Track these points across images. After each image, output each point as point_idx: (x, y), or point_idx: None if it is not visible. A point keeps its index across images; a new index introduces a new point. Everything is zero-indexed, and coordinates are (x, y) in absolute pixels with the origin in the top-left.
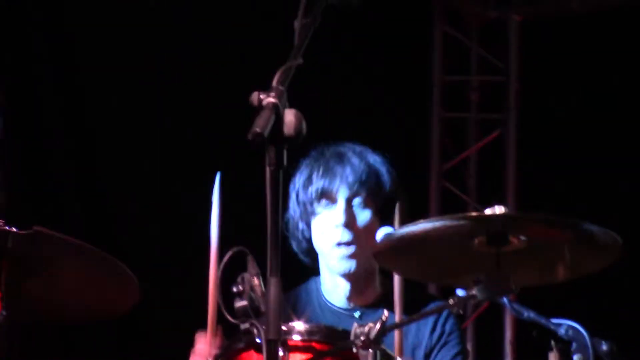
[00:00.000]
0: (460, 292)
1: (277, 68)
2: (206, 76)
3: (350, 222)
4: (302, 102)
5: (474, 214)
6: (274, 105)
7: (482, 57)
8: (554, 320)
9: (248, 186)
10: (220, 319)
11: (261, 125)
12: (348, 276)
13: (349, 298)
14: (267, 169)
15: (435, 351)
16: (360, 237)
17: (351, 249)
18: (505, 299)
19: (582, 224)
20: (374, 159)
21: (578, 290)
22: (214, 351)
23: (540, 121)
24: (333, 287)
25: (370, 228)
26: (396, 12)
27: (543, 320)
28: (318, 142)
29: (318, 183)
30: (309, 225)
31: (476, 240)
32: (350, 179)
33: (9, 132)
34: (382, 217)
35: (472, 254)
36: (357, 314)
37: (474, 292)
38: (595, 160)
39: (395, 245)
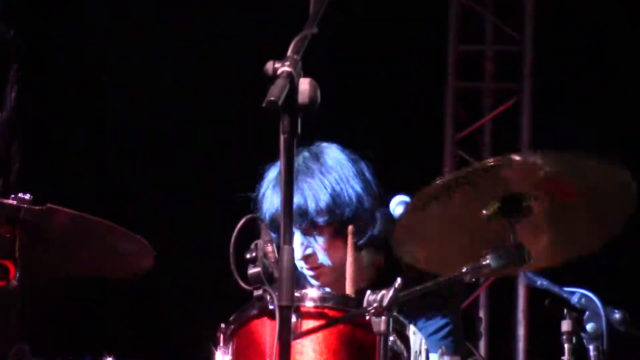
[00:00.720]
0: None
1: (292, 37)
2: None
3: (307, 253)
4: (315, 72)
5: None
6: (289, 73)
7: (497, 26)
8: (567, 289)
9: (262, 156)
10: (233, 285)
11: (275, 93)
12: (323, 285)
13: (339, 290)
14: (281, 137)
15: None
16: (320, 259)
17: (312, 272)
18: None
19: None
20: (318, 179)
21: (591, 258)
22: None
23: (555, 91)
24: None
25: (329, 248)
26: None
27: (556, 289)
28: (328, 113)
29: (266, 212)
30: None
31: (490, 209)
32: (300, 212)
33: (22, 105)
34: (341, 234)
35: (488, 231)
36: None
37: (487, 261)
38: (610, 129)
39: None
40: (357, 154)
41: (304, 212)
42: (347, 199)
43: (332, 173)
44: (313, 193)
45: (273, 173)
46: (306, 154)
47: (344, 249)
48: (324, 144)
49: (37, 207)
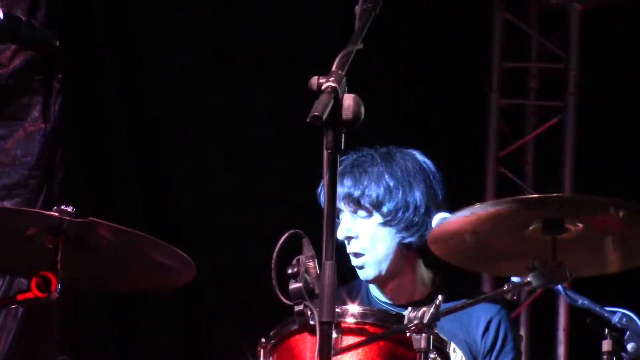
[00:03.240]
0: (515, 279)
1: (337, 53)
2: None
3: (350, 235)
4: (360, 88)
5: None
6: (333, 89)
7: (541, 44)
8: (608, 308)
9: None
10: (275, 300)
11: (320, 109)
12: (371, 281)
13: (390, 297)
14: (325, 153)
15: (489, 357)
16: (366, 247)
17: (359, 261)
18: (560, 286)
19: (637, 204)
20: (376, 170)
21: (632, 278)
22: None
23: (599, 109)
24: (373, 286)
25: (376, 237)
26: None
27: (597, 308)
28: (374, 127)
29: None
30: None
31: (531, 227)
32: (346, 194)
33: (67, 116)
34: (390, 225)
35: (527, 242)
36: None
37: (528, 279)
38: None
39: (449, 232)
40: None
41: (352, 193)
42: (400, 199)
43: (397, 171)
44: (368, 178)
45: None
46: (383, 150)
47: (388, 244)
48: (406, 150)
49: (79, 220)
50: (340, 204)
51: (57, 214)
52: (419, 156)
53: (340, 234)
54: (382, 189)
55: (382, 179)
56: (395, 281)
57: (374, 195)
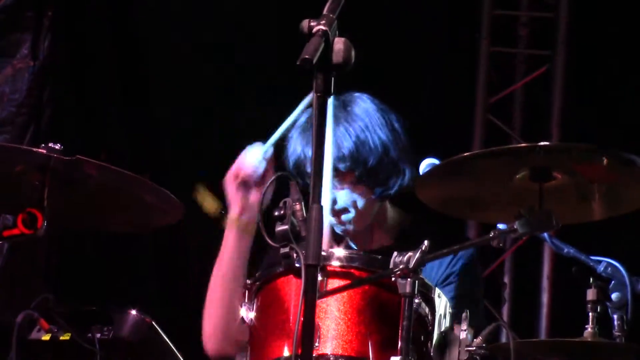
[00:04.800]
0: (501, 226)
1: None
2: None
3: (337, 208)
4: (349, 30)
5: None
6: (324, 32)
7: None
8: (594, 258)
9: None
10: (261, 242)
11: (310, 51)
12: (351, 236)
13: (357, 244)
14: (315, 96)
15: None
16: (348, 211)
17: (341, 227)
18: (545, 234)
19: (623, 152)
20: (343, 127)
21: (618, 228)
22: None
23: (588, 58)
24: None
25: (355, 202)
26: None
27: (583, 257)
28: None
29: (292, 158)
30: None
31: (518, 175)
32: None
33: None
34: (366, 184)
35: (514, 189)
36: None
37: (515, 226)
38: None
39: (437, 177)
40: (386, 105)
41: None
42: (372, 146)
43: (358, 121)
44: (336, 139)
45: (303, 118)
46: (335, 102)
47: (369, 206)
48: (356, 94)
49: (66, 158)
50: None
51: (44, 151)
52: (371, 100)
53: (326, 207)
54: (352, 144)
55: (351, 134)
56: (364, 231)
57: (346, 152)
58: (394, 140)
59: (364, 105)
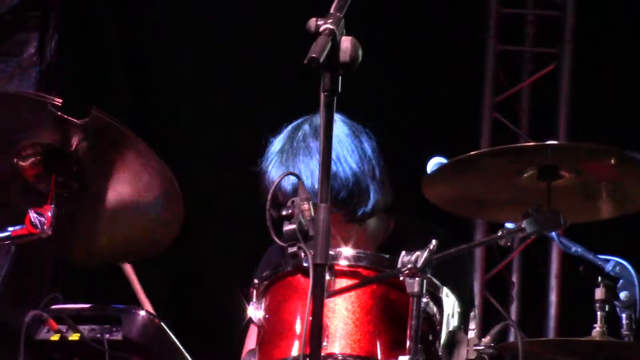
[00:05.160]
0: (509, 225)
1: None
2: None
3: None
4: (356, 29)
5: (526, 144)
6: (331, 31)
7: None
8: (602, 256)
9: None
10: (269, 241)
11: (317, 50)
12: None
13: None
14: (322, 95)
15: None
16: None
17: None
18: (553, 233)
19: (630, 151)
20: (304, 160)
21: (626, 227)
22: None
23: (595, 57)
24: None
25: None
26: None
27: (591, 256)
28: (372, 74)
29: (266, 184)
30: None
31: (526, 174)
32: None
33: (62, 53)
34: (342, 212)
35: (522, 188)
36: None
37: (523, 225)
38: None
39: (444, 176)
40: (359, 125)
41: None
42: (342, 178)
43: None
44: (311, 174)
45: (277, 146)
46: (307, 128)
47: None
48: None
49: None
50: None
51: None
52: (343, 123)
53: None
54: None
55: (312, 169)
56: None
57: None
58: (363, 165)
59: (335, 131)
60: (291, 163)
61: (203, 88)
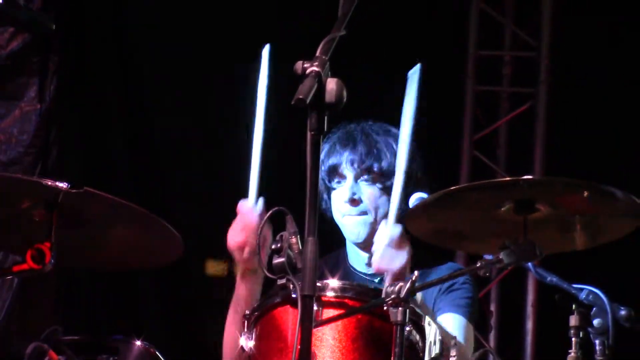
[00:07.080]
0: (487, 257)
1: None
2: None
3: (355, 197)
4: (339, 70)
5: (503, 179)
6: (317, 73)
7: (515, 33)
8: (576, 286)
9: (290, 150)
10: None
11: (304, 92)
12: (361, 245)
13: (370, 265)
14: (308, 134)
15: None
16: (366, 210)
17: (358, 219)
18: (530, 264)
19: (603, 185)
20: (383, 140)
21: (599, 257)
22: (255, 218)
23: (569, 96)
24: (354, 254)
25: (377, 203)
26: None
27: (565, 285)
28: (354, 110)
29: (328, 161)
30: (329, 197)
31: (503, 208)
32: (355, 159)
33: (62, 96)
34: (388, 194)
35: (499, 222)
36: (377, 280)
37: (500, 256)
38: (624, 135)
39: (426, 211)
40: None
41: (365, 160)
42: (389, 159)
43: (377, 136)
44: (379, 148)
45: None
46: (373, 123)
47: (385, 209)
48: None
49: (75, 190)
50: (345, 168)
51: (53, 183)
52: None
53: (345, 196)
54: (393, 159)
55: (392, 149)
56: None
57: (384, 164)
58: (417, 170)
59: (372, 127)
60: (364, 143)
61: (207, 134)
